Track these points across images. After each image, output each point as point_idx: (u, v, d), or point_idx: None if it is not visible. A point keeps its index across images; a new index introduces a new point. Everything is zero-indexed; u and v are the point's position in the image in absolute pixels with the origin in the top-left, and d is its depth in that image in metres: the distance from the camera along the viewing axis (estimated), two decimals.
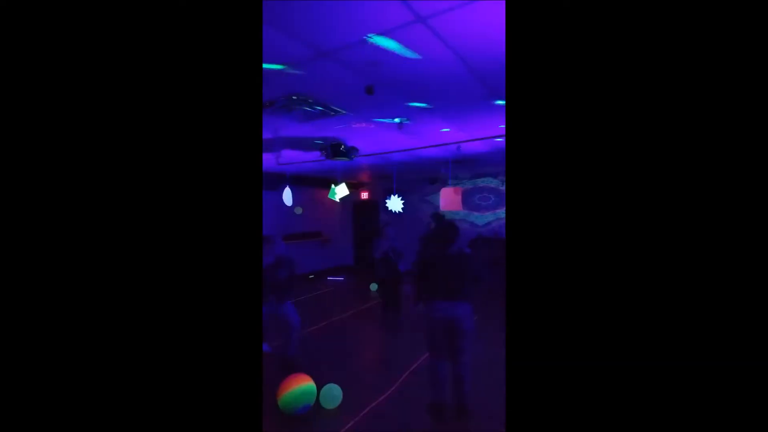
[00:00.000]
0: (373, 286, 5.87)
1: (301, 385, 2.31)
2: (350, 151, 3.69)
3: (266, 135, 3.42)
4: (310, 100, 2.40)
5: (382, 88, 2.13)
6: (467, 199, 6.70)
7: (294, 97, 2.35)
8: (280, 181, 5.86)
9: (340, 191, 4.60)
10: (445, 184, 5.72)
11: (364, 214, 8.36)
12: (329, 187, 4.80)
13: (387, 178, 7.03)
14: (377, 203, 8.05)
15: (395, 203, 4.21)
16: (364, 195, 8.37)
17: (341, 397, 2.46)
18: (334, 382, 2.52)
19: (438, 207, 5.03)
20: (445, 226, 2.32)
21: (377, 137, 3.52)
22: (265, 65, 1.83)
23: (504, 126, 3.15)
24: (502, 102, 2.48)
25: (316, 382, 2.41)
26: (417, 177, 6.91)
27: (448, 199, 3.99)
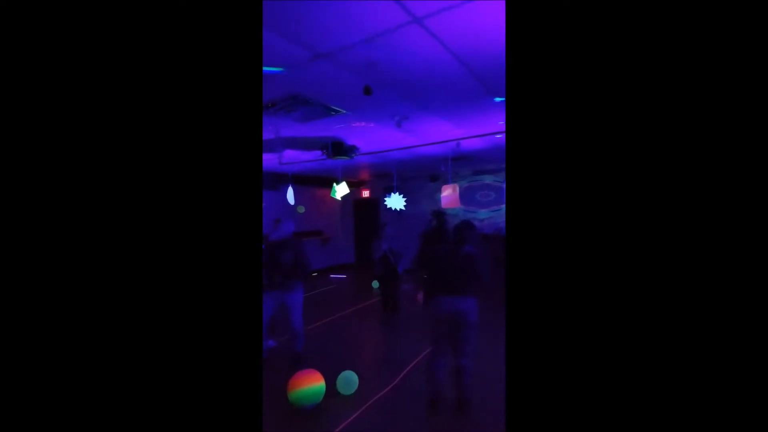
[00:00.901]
0: (375, 284, 5.92)
1: (314, 385, 2.36)
2: (350, 150, 3.74)
3: (268, 136, 3.46)
4: (309, 101, 2.45)
5: (380, 87, 2.17)
6: (470, 196, 6.75)
7: (294, 98, 2.40)
8: (282, 180, 5.92)
9: (341, 190, 4.64)
10: (445, 181, 5.75)
11: (365, 213, 8.40)
12: (330, 186, 4.85)
13: (387, 176, 7.06)
14: (378, 201, 8.09)
15: (396, 201, 4.24)
16: (365, 193, 8.41)
17: (357, 383, 2.58)
18: (337, 377, 2.59)
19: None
20: (462, 225, 2.33)
21: (376, 136, 3.56)
22: (264, 68, 1.88)
23: (502, 123, 3.18)
24: (499, 99, 2.51)
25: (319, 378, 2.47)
26: (417, 174, 6.94)
27: (448, 196, 4.03)
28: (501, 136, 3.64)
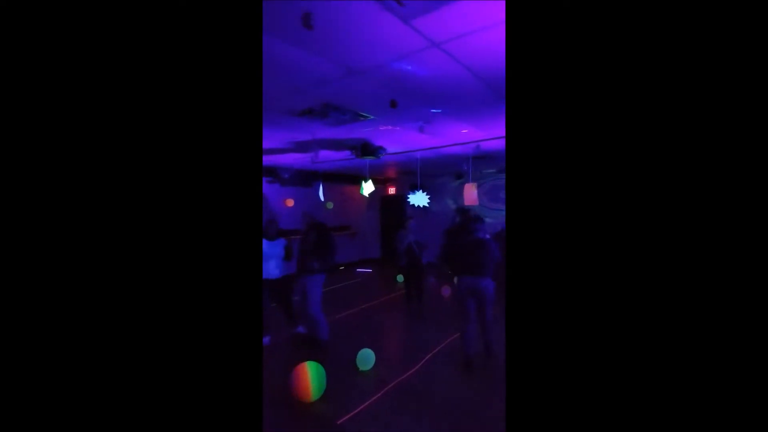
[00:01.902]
0: (400, 278, 6.16)
1: (312, 376, 2.42)
2: (377, 150, 3.99)
3: (304, 137, 3.79)
4: (341, 108, 2.72)
5: (406, 97, 2.40)
6: (495, 194, 6.85)
7: (327, 106, 2.67)
8: (314, 178, 6.29)
9: (368, 187, 4.90)
10: (467, 179, 5.87)
11: (391, 209, 8.65)
12: (357, 184, 5.13)
13: (412, 174, 7.26)
14: (403, 198, 8.31)
15: (419, 198, 4.43)
16: (391, 190, 8.65)
17: (374, 360, 2.94)
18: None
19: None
20: (470, 217, 3.10)
21: (402, 137, 3.78)
22: (300, 84, 2.16)
23: None
24: None
25: (345, 363, 2.81)
26: (441, 172, 7.10)
27: (468, 194, 4.20)
28: None
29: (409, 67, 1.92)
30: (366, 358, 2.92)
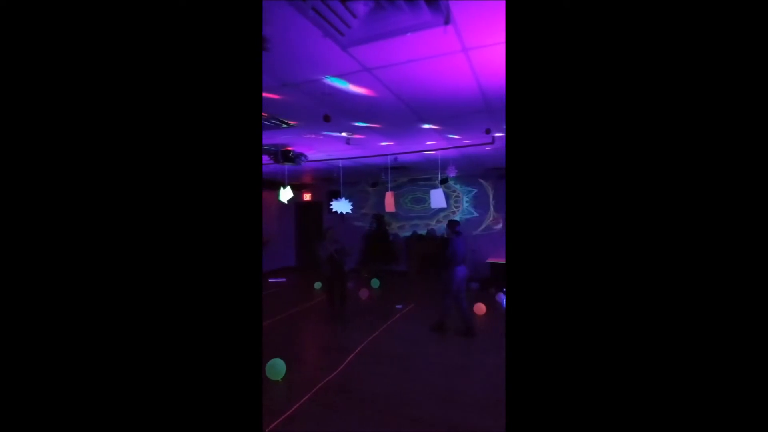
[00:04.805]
0: (318, 285, 6.15)
1: None
2: (298, 157, 4.01)
3: None
4: (268, 116, 2.72)
5: (333, 111, 2.56)
6: (405, 201, 7.45)
7: None
8: None
9: (286, 194, 4.82)
10: (385, 187, 6.29)
11: (307, 216, 8.54)
12: (271, 189, 4.95)
13: (330, 180, 7.36)
14: (321, 204, 8.31)
15: (342, 205, 4.57)
16: (307, 196, 8.55)
17: (284, 367, 2.90)
18: (288, 367, 2.90)
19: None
20: (450, 222, 3.91)
21: (324, 146, 3.91)
22: None
23: (430, 143, 3.80)
24: (427, 125, 3.10)
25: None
26: (359, 180, 7.40)
27: (389, 201, 4.54)
28: (430, 153, 4.28)
29: (341, 86, 2.10)
30: (275, 368, 2.86)
